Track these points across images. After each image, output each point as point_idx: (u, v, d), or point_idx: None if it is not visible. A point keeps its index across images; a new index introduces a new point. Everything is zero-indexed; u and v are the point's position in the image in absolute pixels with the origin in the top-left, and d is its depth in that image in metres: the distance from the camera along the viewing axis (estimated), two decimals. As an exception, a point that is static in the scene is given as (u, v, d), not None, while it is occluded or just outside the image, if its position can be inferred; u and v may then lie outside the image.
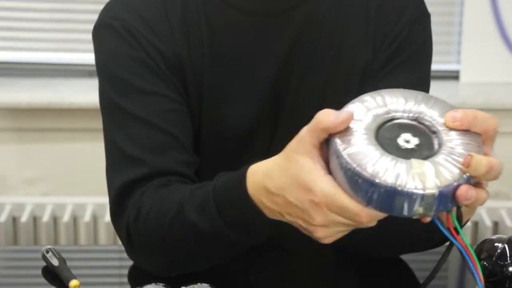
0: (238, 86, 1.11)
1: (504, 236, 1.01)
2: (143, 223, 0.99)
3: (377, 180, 0.75)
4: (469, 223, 2.03)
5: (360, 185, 0.76)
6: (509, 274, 0.98)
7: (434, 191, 0.75)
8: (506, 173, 2.32)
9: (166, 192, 1.00)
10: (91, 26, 2.42)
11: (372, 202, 0.76)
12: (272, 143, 1.12)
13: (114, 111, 1.07)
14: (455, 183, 0.75)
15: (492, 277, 0.99)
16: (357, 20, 1.12)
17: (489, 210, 2.05)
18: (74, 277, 1.02)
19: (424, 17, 1.15)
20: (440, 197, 0.75)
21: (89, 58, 2.13)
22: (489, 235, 1.96)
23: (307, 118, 1.14)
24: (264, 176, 0.86)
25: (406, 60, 1.12)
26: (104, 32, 1.10)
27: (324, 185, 0.79)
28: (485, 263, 0.99)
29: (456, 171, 0.76)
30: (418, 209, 0.75)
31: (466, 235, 2.03)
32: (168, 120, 1.05)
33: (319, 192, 0.79)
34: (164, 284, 0.92)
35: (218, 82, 1.10)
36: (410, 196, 0.74)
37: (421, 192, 0.74)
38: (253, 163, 0.89)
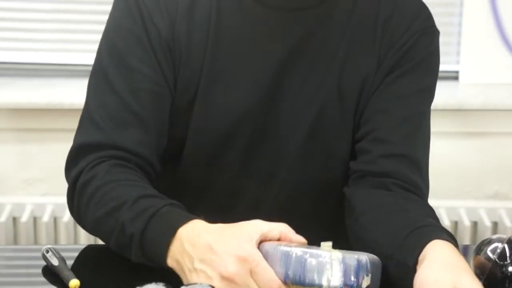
0: (239, 72, 1.13)
1: (504, 236, 1.01)
2: (89, 194, 1.08)
3: (298, 248, 0.90)
4: (468, 223, 2.03)
5: (281, 255, 0.90)
6: (508, 274, 0.98)
7: (340, 259, 0.89)
8: (505, 173, 2.33)
9: (117, 179, 1.07)
10: (91, 27, 2.42)
11: (290, 268, 0.89)
12: (252, 142, 1.15)
13: (100, 73, 1.14)
14: (358, 259, 0.90)
15: (492, 276, 0.99)
16: (365, 27, 1.14)
17: (488, 210, 2.05)
18: (74, 277, 1.02)
19: (431, 30, 1.17)
20: (344, 268, 0.88)
21: (89, 58, 2.13)
22: (488, 235, 1.96)
23: (304, 120, 1.16)
24: (201, 229, 0.96)
25: (410, 70, 1.14)
26: (118, 1, 1.16)
27: (255, 248, 0.92)
28: (485, 262, 0.99)
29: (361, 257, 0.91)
30: (328, 274, 0.88)
31: (465, 235, 2.04)
32: (142, 100, 1.11)
33: (249, 249, 0.91)
34: (164, 284, 0.91)
35: (219, 65, 1.13)
36: (321, 261, 0.88)
37: (329, 259, 0.88)
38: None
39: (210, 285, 0.90)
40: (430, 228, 0.98)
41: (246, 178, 1.17)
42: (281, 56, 1.12)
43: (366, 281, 0.90)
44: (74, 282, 1.01)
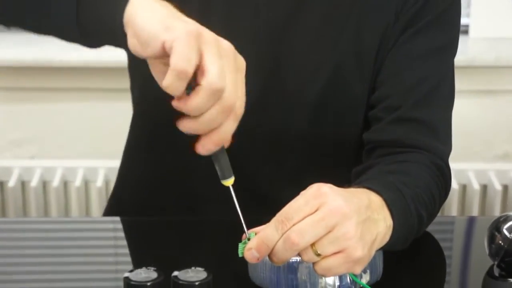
0: (239, 39, 1.06)
1: (522, 214, 0.98)
2: None
3: None
4: (477, 187, 1.98)
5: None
6: (525, 253, 0.95)
7: None
8: (515, 133, 2.24)
9: None
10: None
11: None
12: (254, 116, 1.07)
13: None
14: None
15: (508, 256, 0.95)
16: None
17: (497, 172, 2.00)
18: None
19: None
20: None
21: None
22: (498, 199, 1.92)
23: (314, 86, 1.08)
24: None
25: (426, 26, 1.09)
26: None
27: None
28: (500, 242, 0.95)
29: None
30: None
31: (474, 199, 1.98)
32: None
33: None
34: (155, 269, 0.88)
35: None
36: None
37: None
38: None
39: (205, 270, 0.87)
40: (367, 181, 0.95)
41: (250, 147, 1.12)
42: (286, 15, 1.07)
43: (364, 278, 0.90)
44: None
